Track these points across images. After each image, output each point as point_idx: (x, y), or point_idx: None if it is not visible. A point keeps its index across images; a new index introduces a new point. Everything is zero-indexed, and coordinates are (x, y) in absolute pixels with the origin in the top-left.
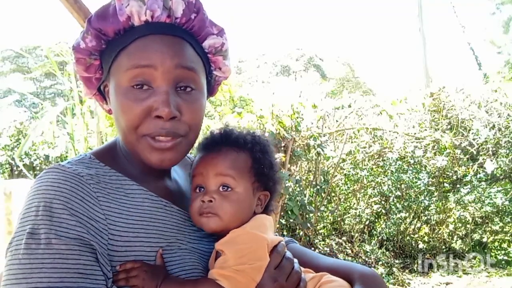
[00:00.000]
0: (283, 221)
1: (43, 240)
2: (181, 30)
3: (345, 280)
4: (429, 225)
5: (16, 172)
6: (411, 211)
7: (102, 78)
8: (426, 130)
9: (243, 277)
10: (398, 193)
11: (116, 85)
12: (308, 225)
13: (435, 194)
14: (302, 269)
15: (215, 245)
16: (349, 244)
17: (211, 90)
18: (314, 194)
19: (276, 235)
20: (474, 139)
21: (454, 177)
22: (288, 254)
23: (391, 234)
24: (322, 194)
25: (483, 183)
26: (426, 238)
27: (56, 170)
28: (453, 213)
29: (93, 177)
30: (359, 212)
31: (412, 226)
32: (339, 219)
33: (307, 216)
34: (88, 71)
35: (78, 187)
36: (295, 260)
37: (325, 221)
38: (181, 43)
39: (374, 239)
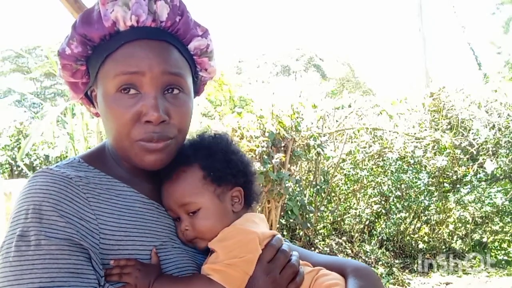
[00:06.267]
0: (283, 221)
1: (33, 242)
2: (167, 33)
3: (339, 275)
4: (429, 225)
5: (16, 172)
6: (411, 211)
7: (89, 83)
8: (426, 130)
9: (235, 270)
10: (398, 193)
11: (103, 91)
12: (308, 225)
13: (435, 194)
14: (301, 262)
15: (209, 245)
16: (349, 244)
17: (197, 90)
18: (314, 194)
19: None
20: (474, 139)
21: (454, 177)
22: (285, 246)
23: (391, 234)
24: (322, 194)
25: (483, 183)
26: (426, 238)
27: (44, 174)
28: (453, 213)
29: (82, 178)
30: (359, 212)
31: (412, 226)
32: (339, 219)
33: (307, 216)
34: (75, 76)
35: (67, 188)
36: (295, 253)
37: (325, 221)
38: (167, 48)
39: (374, 239)
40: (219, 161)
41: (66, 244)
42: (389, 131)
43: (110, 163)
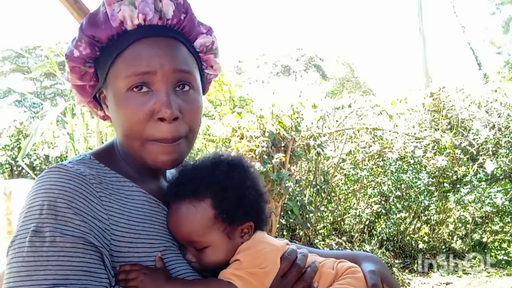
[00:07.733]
0: (283, 221)
1: (48, 238)
2: (174, 31)
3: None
4: (429, 225)
5: (16, 172)
6: (411, 211)
7: (97, 86)
8: (426, 130)
9: (255, 280)
10: (398, 193)
11: (114, 92)
12: (308, 225)
13: (435, 194)
14: (310, 255)
15: (231, 260)
16: (349, 244)
17: (203, 89)
18: (314, 194)
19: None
20: (474, 139)
21: (454, 177)
22: (299, 259)
23: (391, 234)
24: (322, 194)
25: (483, 183)
26: (426, 238)
27: (58, 170)
28: (453, 213)
29: (95, 177)
30: (359, 212)
31: (412, 226)
32: (339, 219)
33: (307, 216)
34: (83, 79)
35: (81, 186)
36: (312, 264)
37: (325, 221)
38: (175, 45)
39: (374, 239)
40: (233, 199)
41: (81, 243)
42: (389, 131)
43: (119, 161)
